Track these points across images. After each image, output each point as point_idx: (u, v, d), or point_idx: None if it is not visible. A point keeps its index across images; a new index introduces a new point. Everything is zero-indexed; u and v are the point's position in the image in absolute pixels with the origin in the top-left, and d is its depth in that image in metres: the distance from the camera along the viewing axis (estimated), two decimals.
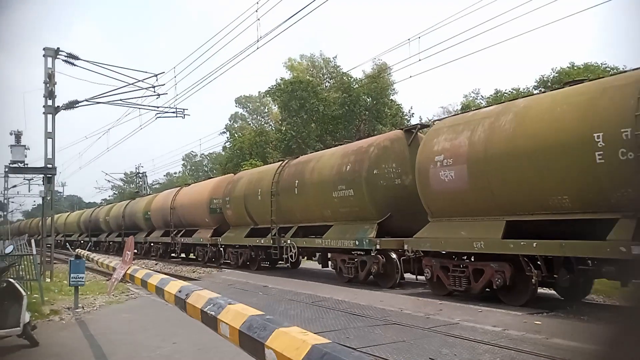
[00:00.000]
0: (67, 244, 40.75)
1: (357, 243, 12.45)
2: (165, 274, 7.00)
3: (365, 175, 12.38)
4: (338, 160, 13.60)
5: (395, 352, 5.89)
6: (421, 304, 9.23)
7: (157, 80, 19.50)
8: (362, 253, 12.61)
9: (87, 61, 17.80)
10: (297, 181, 15.03)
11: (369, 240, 12.04)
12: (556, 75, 31.41)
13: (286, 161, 16.77)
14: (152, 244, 27.95)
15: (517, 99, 10.84)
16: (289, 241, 15.28)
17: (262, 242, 16.79)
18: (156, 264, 22.86)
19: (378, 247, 11.82)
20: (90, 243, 38.00)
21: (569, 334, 6.46)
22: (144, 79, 19.36)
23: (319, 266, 15.46)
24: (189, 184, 26.61)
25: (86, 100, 18.83)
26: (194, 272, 18.70)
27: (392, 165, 12.50)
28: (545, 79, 32.05)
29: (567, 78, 28.76)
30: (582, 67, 30.53)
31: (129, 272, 6.76)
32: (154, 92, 19.72)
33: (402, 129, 13.39)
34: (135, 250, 29.13)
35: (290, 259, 15.50)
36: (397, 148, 12.73)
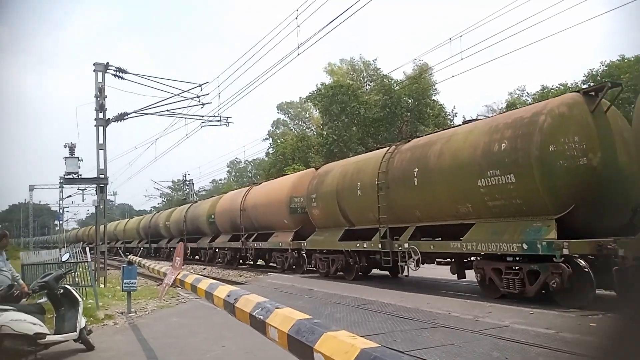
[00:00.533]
0: (119, 250, 41.96)
1: (525, 247, 9.12)
2: (213, 278, 7.16)
3: (538, 153, 9.10)
4: (483, 137, 10.31)
5: (445, 355, 5.80)
6: (469, 306, 9.05)
7: (201, 90, 20.02)
8: (521, 259, 9.64)
9: (135, 74, 18.47)
10: (415, 169, 11.95)
11: (548, 242, 8.74)
12: (605, 68, 30.24)
13: (395, 146, 13.58)
14: (217, 250, 26.05)
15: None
16: (405, 245, 12.12)
17: (366, 246, 13.72)
18: (204, 269, 23.31)
19: (566, 252, 8.51)
20: (150, 250, 37.17)
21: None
22: (189, 89, 19.91)
23: (425, 273, 13.68)
24: (259, 183, 24.54)
25: (135, 112, 19.50)
26: (240, 276, 18.99)
27: (574, 140, 9.16)
28: (594, 73, 30.91)
29: (617, 72, 27.73)
30: (632, 59, 29.28)
31: (179, 277, 6.94)
32: (199, 101, 20.23)
33: (579, 92, 10.11)
34: (196, 257, 29.41)
35: (409, 267, 12.28)
36: (577, 116, 9.37)
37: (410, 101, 36.16)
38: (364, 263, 14.37)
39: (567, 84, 32.62)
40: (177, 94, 19.81)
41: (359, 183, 14.15)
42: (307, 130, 52.43)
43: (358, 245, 14.10)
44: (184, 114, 21.63)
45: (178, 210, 33.84)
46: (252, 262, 22.38)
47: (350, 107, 34.99)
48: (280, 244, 18.62)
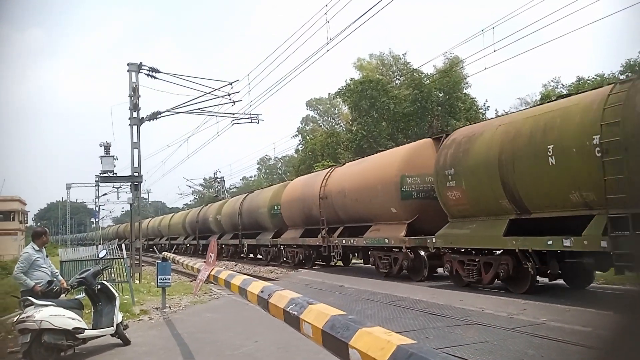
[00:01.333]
0: (153, 247, 42.16)
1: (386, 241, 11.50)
2: (245, 274, 7.23)
3: None
4: None
5: (479, 353, 5.73)
6: (503, 303, 8.90)
7: (232, 88, 20.20)
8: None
9: (167, 74, 18.77)
10: None
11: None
12: None
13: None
14: (283, 248, 22.04)
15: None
16: None
17: (571, 244, 8.69)
18: (235, 265, 23.53)
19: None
20: (198, 247, 33.33)
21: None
22: (220, 87, 20.12)
23: None
24: (342, 164, 19.76)
25: (167, 111, 19.84)
26: (271, 272, 19.14)
27: None
28: (632, 62, 29.91)
29: None
30: None
31: (212, 273, 7.05)
32: (230, 99, 20.42)
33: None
34: (259, 256, 24.87)
35: None
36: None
37: (441, 95, 35.67)
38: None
39: (604, 74, 31.66)
40: (208, 92, 20.05)
41: (550, 146, 9.06)
42: (336, 126, 52.37)
43: (551, 242, 9.14)
44: (215, 112, 21.89)
45: (231, 202, 29.93)
46: (334, 263, 18.30)
47: (380, 102, 34.76)
48: (388, 240, 14.02)
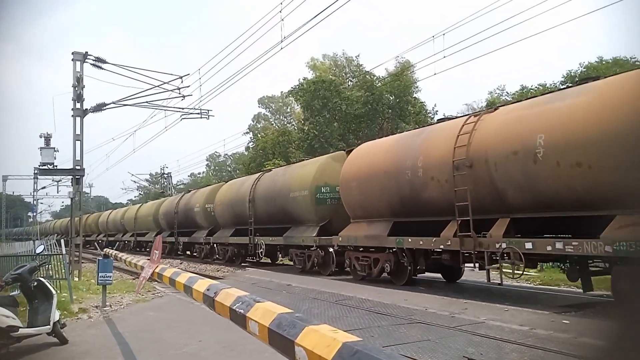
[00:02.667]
0: (95, 244, 40.79)
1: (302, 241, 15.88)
2: (191, 272, 7.09)
3: None
4: None
5: (421, 351, 5.86)
6: (446, 303, 9.16)
7: (182, 82, 19.81)
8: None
9: (115, 64, 18.15)
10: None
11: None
12: (584, 70, 30.80)
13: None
14: (216, 245, 22.71)
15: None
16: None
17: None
18: (181, 263, 23.10)
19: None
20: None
21: (598, 333, 6.32)
22: (170, 81, 19.69)
23: None
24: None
25: (113, 103, 19.20)
26: (218, 270, 18.89)
27: None
28: (572, 74, 31.45)
29: (595, 73, 28.18)
30: (610, 61, 29.89)
31: (157, 270, 6.87)
32: (179, 93, 20.02)
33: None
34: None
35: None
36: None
37: (391, 98, 36.29)
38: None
39: (546, 84, 33.13)
40: (157, 86, 19.57)
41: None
42: (288, 125, 52.28)
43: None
44: (163, 106, 21.41)
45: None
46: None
47: (332, 103, 34.98)
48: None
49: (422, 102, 37.84)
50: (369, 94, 35.32)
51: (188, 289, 4.56)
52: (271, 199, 18.09)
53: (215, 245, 23.16)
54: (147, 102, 20.29)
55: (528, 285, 11.94)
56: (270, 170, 20.58)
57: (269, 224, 18.59)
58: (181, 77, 19.72)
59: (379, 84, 36.62)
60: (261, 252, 18.96)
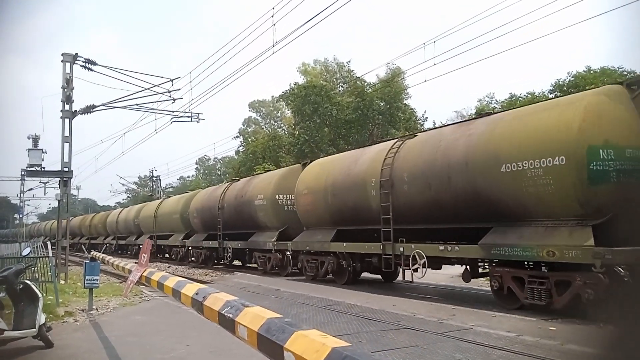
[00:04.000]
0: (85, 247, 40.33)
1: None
2: (179, 276, 7.05)
3: None
4: None
5: (409, 357, 5.88)
6: (434, 309, 9.19)
7: (172, 85, 19.69)
8: None
9: (105, 66, 18.03)
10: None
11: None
12: (572, 79, 31.12)
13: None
14: (191, 249, 24.62)
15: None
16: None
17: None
18: (169, 267, 22.96)
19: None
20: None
21: (584, 340, 6.38)
22: (160, 83, 19.56)
23: None
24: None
25: (103, 105, 19.05)
26: (206, 275, 18.79)
27: None
28: (561, 83, 31.76)
29: (583, 82, 28.56)
30: (598, 71, 30.23)
31: (145, 274, 6.82)
32: (170, 96, 19.91)
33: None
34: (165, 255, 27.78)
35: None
36: None
37: (382, 104, 36.46)
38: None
39: (534, 92, 33.43)
40: (148, 88, 19.44)
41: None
42: (278, 129, 52.26)
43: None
44: (153, 109, 21.26)
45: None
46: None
47: (323, 108, 35.06)
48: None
49: (412, 109, 38.07)
50: (360, 99, 35.47)
51: (176, 293, 4.54)
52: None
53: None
54: (137, 104, 20.15)
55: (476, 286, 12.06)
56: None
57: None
58: (172, 80, 19.63)
59: (370, 90, 36.78)
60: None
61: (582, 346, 6.10)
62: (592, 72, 30.54)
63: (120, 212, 37.74)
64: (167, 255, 28.70)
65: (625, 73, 28.01)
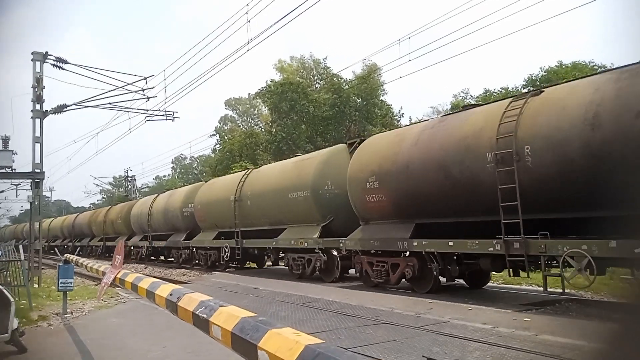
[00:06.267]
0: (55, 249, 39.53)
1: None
2: (155, 277, 6.96)
3: None
4: None
5: (387, 351, 5.91)
6: (412, 303, 9.27)
7: (146, 83, 19.47)
8: None
9: (76, 65, 17.71)
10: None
11: None
12: (544, 74, 31.68)
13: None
14: (196, 250, 21.57)
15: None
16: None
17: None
18: (145, 268, 22.69)
19: None
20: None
21: (558, 330, 6.52)
22: (134, 82, 19.32)
23: None
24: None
25: (75, 104, 18.72)
26: (183, 275, 18.62)
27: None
28: (533, 77, 32.30)
29: (555, 77, 29.08)
30: (570, 65, 30.84)
31: (119, 276, 6.72)
32: (144, 95, 19.68)
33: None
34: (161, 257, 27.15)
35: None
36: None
37: (359, 101, 36.58)
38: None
39: (508, 87, 33.96)
40: (121, 87, 19.19)
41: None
42: (255, 127, 52.00)
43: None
44: (127, 108, 20.98)
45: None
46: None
47: (300, 105, 35.00)
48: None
49: (388, 105, 38.29)
50: (337, 96, 35.51)
51: (150, 294, 4.48)
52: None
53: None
54: (110, 103, 19.86)
55: (491, 284, 12.18)
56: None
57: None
58: (145, 79, 19.40)
59: (346, 86, 36.85)
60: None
61: (555, 336, 6.23)
62: (564, 66, 31.15)
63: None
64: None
65: (597, 67, 28.62)
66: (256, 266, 20.61)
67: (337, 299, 10.19)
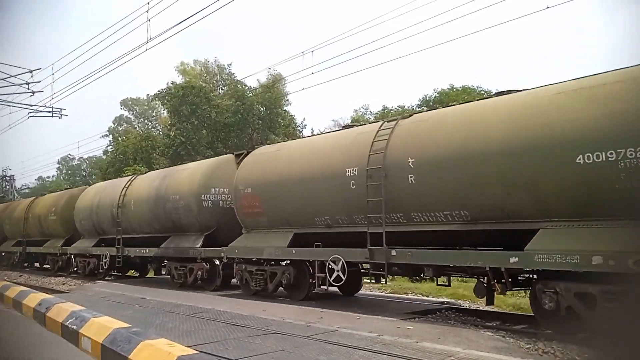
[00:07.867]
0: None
1: None
2: (30, 286, 6.40)
3: None
4: None
5: None
6: (303, 313, 9.34)
7: (32, 76, 18.13)
8: None
9: None
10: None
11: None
12: (437, 95, 33.77)
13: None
14: (74, 257, 20.24)
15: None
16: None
17: None
18: (20, 276, 20.83)
19: None
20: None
21: (437, 337, 6.92)
22: (17, 74, 17.89)
23: None
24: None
25: None
26: (63, 284, 17.33)
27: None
28: (427, 98, 34.32)
29: (447, 98, 31.14)
30: (460, 89, 33.19)
31: None
32: (28, 89, 18.23)
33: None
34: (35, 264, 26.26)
35: None
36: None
37: (262, 109, 36.54)
38: None
39: (404, 106, 35.76)
40: (3, 79, 17.62)
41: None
42: (152, 129, 49.99)
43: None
44: (8, 102, 19.33)
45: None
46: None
47: (201, 110, 34.23)
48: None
49: (292, 115, 38.66)
50: (240, 103, 35.22)
51: (18, 304, 4.12)
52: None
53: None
54: None
55: (380, 293, 12.67)
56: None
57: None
58: (31, 71, 18.03)
59: (250, 94, 36.69)
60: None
61: (434, 343, 6.61)
62: (454, 89, 33.45)
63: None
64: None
65: (483, 92, 31.03)
66: (138, 275, 19.82)
67: (229, 309, 10.01)
